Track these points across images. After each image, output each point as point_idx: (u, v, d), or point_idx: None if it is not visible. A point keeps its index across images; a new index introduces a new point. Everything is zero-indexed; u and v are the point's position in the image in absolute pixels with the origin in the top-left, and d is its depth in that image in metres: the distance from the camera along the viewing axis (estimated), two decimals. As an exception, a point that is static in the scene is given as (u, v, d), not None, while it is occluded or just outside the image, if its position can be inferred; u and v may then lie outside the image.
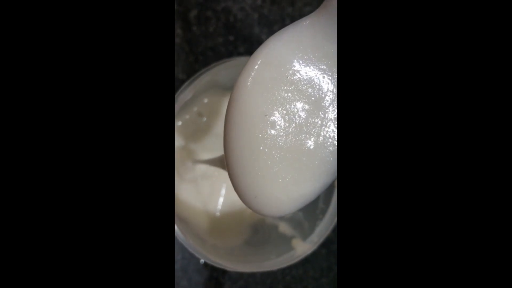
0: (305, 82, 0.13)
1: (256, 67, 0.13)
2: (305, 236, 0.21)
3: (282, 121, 0.13)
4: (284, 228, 0.23)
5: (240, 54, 0.27)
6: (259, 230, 0.24)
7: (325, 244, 0.25)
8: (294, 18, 0.29)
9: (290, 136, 0.13)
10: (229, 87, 0.24)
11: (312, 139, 0.14)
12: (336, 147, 0.14)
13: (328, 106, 0.14)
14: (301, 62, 0.13)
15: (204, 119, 0.24)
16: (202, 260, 0.25)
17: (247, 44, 0.28)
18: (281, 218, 0.24)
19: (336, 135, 0.14)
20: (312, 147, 0.14)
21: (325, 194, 0.23)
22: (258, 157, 0.14)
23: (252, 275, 0.27)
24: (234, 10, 0.28)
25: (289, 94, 0.13)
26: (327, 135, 0.14)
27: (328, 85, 0.14)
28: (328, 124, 0.14)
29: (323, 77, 0.14)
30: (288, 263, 0.20)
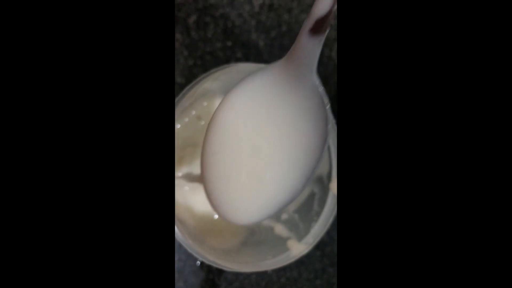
0: (257, 128, 0.16)
1: (219, 114, 0.15)
2: (300, 238, 0.22)
3: (238, 157, 0.16)
4: (280, 229, 0.23)
5: (238, 59, 0.28)
6: (255, 231, 0.24)
7: (319, 246, 0.26)
8: (290, 24, 0.30)
9: (245, 167, 0.16)
10: (228, 91, 0.25)
11: (261, 172, 0.16)
12: (280, 179, 0.16)
13: (277, 148, 0.16)
14: (256, 111, 0.15)
15: (203, 122, 0.24)
16: (198, 262, 0.26)
17: (244, 49, 0.28)
18: (277, 220, 0.24)
19: (280, 170, 0.16)
20: (262, 177, 0.16)
21: (320, 197, 0.23)
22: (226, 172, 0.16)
23: (247, 277, 0.27)
24: (232, 16, 0.29)
25: (244, 137, 0.16)
26: (274, 170, 0.16)
27: (279, 130, 0.16)
28: (275, 161, 0.16)
29: (275, 123, 0.16)
30: (284, 263, 0.21)
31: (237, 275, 0.27)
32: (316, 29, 0.12)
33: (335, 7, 0.12)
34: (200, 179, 0.16)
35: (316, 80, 0.15)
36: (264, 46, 0.29)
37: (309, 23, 0.12)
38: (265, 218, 0.16)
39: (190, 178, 0.21)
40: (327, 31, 0.13)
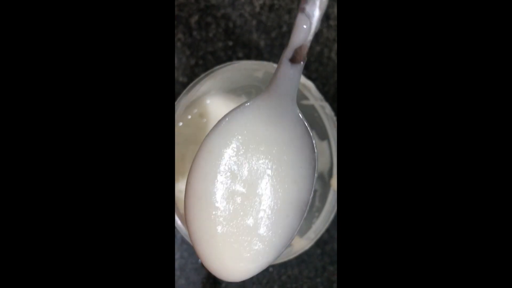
0: (242, 168, 0.15)
1: (199, 157, 0.15)
2: (301, 233, 0.22)
3: (224, 203, 0.15)
4: (282, 226, 0.24)
5: (239, 58, 0.28)
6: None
7: (319, 245, 0.26)
8: (290, 25, 0.30)
9: (232, 215, 0.15)
10: (229, 90, 0.25)
11: (250, 218, 0.15)
12: (272, 223, 0.15)
13: (265, 188, 0.15)
14: (238, 151, 0.15)
15: (205, 120, 0.25)
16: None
17: (245, 49, 0.29)
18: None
19: (271, 213, 0.15)
20: (251, 224, 0.15)
21: (321, 194, 0.23)
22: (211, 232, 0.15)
23: (248, 274, 0.27)
24: (233, 16, 0.29)
25: (227, 180, 0.15)
26: (264, 214, 0.15)
27: (265, 166, 0.15)
28: (264, 203, 0.15)
29: (260, 160, 0.15)
30: (286, 258, 0.21)
31: (238, 272, 0.27)
32: (295, 58, 0.13)
33: (311, 38, 0.13)
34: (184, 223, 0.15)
35: (297, 109, 0.14)
36: (264, 46, 0.29)
37: (288, 53, 0.13)
38: (263, 269, 0.15)
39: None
40: (305, 60, 0.13)
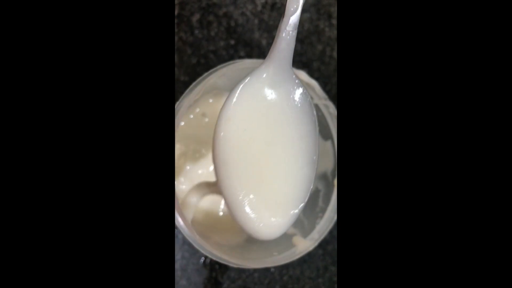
0: (258, 131, 0.16)
1: (220, 127, 0.16)
2: (305, 234, 0.22)
3: (249, 165, 0.16)
4: (285, 226, 0.23)
5: (240, 57, 0.28)
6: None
7: (321, 245, 0.26)
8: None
9: (257, 175, 0.16)
10: (232, 89, 0.25)
11: (272, 175, 0.16)
12: (291, 176, 0.16)
13: (279, 146, 0.16)
14: (252, 115, 0.16)
15: (207, 119, 0.24)
16: (202, 259, 0.26)
17: (247, 48, 0.29)
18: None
19: (288, 168, 0.17)
20: (274, 181, 0.16)
21: (325, 194, 0.23)
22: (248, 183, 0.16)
23: (250, 275, 0.27)
24: (235, 15, 0.29)
25: (248, 144, 0.16)
26: (283, 170, 0.16)
27: (276, 127, 0.16)
28: (281, 160, 0.16)
29: (271, 122, 0.16)
30: (290, 259, 0.21)
31: (239, 273, 0.27)
32: (291, 25, 0.15)
33: (301, 5, 0.15)
34: (218, 191, 0.17)
35: (293, 73, 0.16)
36: (266, 45, 0.29)
37: (285, 22, 0.15)
38: (292, 223, 0.17)
39: (206, 189, 0.21)
40: (297, 27, 0.16)
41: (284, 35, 0.15)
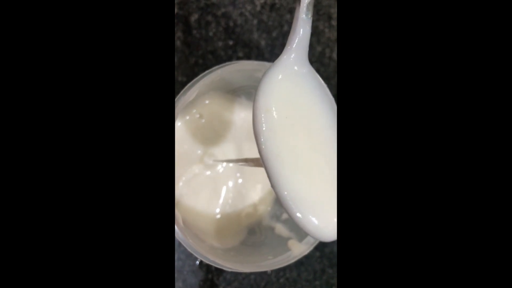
0: (295, 121, 0.15)
1: (259, 120, 0.15)
2: (301, 238, 0.21)
3: (297, 157, 0.15)
4: (281, 229, 0.23)
5: (239, 58, 0.28)
6: (255, 231, 0.24)
7: (318, 247, 0.26)
8: (291, 25, 0.30)
9: (306, 167, 0.15)
10: (229, 90, 0.25)
11: (317, 166, 0.15)
12: (330, 167, 0.16)
13: (316, 137, 0.16)
14: (287, 105, 0.15)
15: (203, 120, 0.24)
16: (198, 261, 0.26)
17: (246, 48, 0.28)
18: (278, 219, 0.24)
19: (326, 159, 0.16)
20: (321, 173, 0.15)
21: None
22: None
23: (246, 277, 0.27)
24: (234, 15, 0.28)
25: (291, 134, 0.15)
26: (323, 160, 0.16)
27: (308, 117, 0.16)
28: (320, 150, 0.16)
29: (303, 112, 0.16)
30: (285, 263, 0.20)
31: (236, 275, 0.27)
32: (307, 13, 0.15)
33: None
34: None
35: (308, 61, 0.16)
36: (265, 46, 0.29)
37: (302, 10, 0.15)
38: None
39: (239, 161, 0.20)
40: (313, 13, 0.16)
41: (301, 23, 0.15)
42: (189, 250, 0.20)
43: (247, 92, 0.25)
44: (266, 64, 0.22)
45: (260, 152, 0.15)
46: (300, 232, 0.22)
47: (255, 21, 0.29)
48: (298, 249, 0.20)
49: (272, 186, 0.15)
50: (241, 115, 0.25)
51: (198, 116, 0.24)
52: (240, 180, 0.25)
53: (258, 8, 0.29)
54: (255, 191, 0.25)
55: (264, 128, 0.15)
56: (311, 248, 0.21)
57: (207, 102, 0.24)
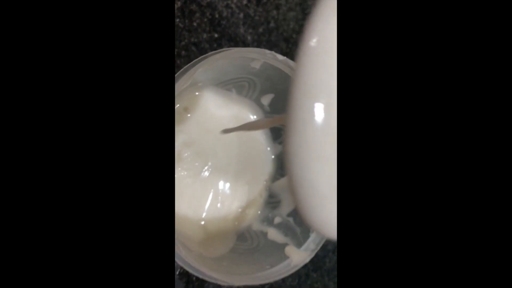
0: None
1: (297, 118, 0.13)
2: (299, 243, 0.20)
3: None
4: (274, 234, 0.22)
5: (225, 52, 0.26)
6: (246, 237, 0.23)
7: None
8: (278, 21, 0.29)
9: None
10: (219, 82, 0.23)
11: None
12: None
13: None
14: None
15: (189, 114, 0.22)
16: (177, 271, 0.23)
17: (232, 42, 0.27)
18: (270, 223, 0.23)
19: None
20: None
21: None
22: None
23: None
24: (219, 6, 0.27)
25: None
26: None
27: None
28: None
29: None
30: (285, 274, 0.19)
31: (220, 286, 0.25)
32: None
33: None
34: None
35: None
36: (251, 41, 0.28)
37: None
38: None
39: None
40: None
41: None
42: (176, 260, 0.17)
43: (240, 85, 0.23)
44: (267, 52, 0.20)
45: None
46: (296, 237, 0.20)
47: (241, 15, 0.28)
48: (299, 257, 0.19)
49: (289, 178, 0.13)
50: (231, 111, 0.23)
51: (183, 109, 0.22)
52: (227, 183, 0.23)
53: (245, 2, 0.28)
54: (243, 193, 0.23)
55: (298, 128, 0.13)
56: (313, 255, 0.19)
57: (196, 93, 0.22)
